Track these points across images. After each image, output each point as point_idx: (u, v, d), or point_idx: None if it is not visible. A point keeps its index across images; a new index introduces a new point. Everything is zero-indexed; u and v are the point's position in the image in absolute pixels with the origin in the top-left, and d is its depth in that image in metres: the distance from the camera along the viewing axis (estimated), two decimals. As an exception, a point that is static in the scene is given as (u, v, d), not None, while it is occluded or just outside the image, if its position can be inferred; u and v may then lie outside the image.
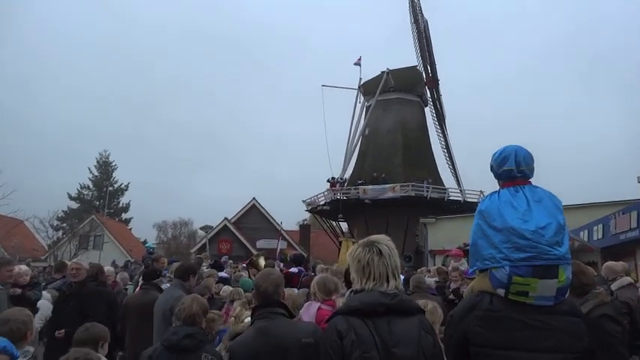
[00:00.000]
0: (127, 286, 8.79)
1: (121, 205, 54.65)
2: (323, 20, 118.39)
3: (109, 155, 54.81)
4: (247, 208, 36.54)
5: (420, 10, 35.28)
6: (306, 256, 29.06)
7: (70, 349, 2.70)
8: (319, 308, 3.91)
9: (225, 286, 6.99)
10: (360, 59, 35.17)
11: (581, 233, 13.29)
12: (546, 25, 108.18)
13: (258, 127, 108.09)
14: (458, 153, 35.39)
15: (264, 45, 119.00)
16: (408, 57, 46.81)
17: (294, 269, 8.40)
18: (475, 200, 30.93)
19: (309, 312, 3.99)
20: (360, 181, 31.46)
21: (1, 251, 28.99)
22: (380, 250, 2.20)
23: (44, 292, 6.49)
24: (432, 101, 35.74)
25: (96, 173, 54.18)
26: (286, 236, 29.70)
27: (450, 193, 31.62)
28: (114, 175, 54.75)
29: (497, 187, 2.41)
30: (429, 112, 35.99)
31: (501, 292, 2.14)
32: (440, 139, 35.41)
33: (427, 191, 29.57)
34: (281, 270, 7.44)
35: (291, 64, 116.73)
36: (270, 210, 36.61)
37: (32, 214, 31.73)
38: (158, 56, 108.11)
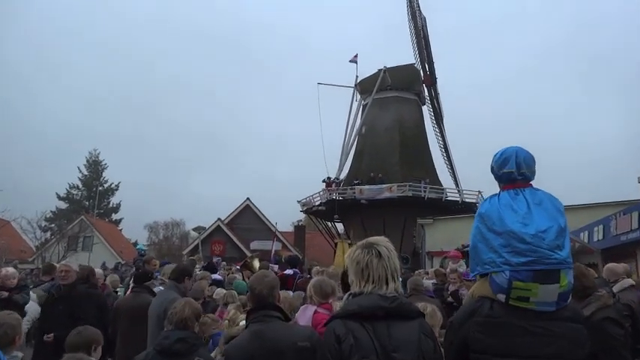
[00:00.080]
0: (118, 289, 8.75)
1: (111, 205, 54.41)
2: (321, 18, 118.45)
3: (98, 154, 54.65)
4: (241, 209, 36.49)
5: (418, 6, 35.37)
6: (301, 257, 29.11)
7: (64, 355, 2.69)
8: (315, 312, 3.90)
9: (219, 289, 6.97)
10: (356, 56, 35.20)
11: (582, 234, 13.34)
12: (546, 25, 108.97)
13: (255, 126, 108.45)
14: (456, 153, 35.61)
15: (262, 44, 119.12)
16: (405, 55, 46.99)
17: (288, 271, 8.39)
18: (473, 201, 31.04)
19: (305, 315, 3.98)
20: (356, 181, 31.50)
21: (-12, 253, 28.77)
22: (379, 252, 2.20)
23: (30, 293, 6.45)
24: (430, 100, 35.84)
25: (85, 172, 53.94)
26: (281, 237, 29.64)
27: (448, 194, 31.73)
28: (104, 174, 54.58)
29: (497, 188, 2.42)
30: (426, 110, 36.17)
31: (502, 297, 2.14)
32: (438, 139, 35.56)
33: (425, 191, 29.64)
34: (275, 272, 7.42)
35: (290, 64, 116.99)
36: (265, 210, 36.62)
37: (19, 215, 31.59)
38: (158, 56, 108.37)
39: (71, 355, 2.71)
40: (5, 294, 5.65)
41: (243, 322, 3.67)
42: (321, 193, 32.24)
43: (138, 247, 15.18)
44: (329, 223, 34.51)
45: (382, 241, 2.26)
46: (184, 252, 34.65)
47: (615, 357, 2.73)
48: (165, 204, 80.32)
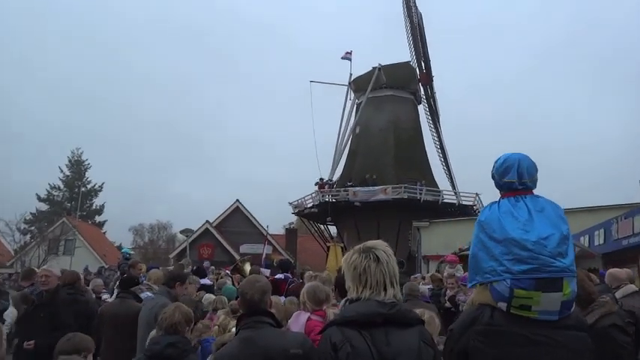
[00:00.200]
0: (102, 294, 8.69)
1: (94, 206, 54.08)
2: (312, 15, 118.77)
3: (81, 153, 54.26)
4: (230, 211, 36.43)
5: (414, 2, 35.47)
6: (292, 261, 29.06)
7: (59, 357, 2.68)
8: (309, 318, 3.91)
9: (207, 294, 6.93)
10: (349, 53, 35.26)
11: (582, 238, 13.44)
12: (546, 25, 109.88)
13: (243, 127, 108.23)
14: (454, 154, 35.76)
15: (249, 43, 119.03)
16: (401, 52, 47.16)
17: (280, 276, 8.39)
18: (470, 203, 31.20)
19: (298, 322, 3.99)
20: (349, 183, 31.53)
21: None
22: (377, 256, 2.19)
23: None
24: (426, 99, 35.97)
25: (67, 173, 53.54)
26: (272, 241, 29.60)
27: (445, 196, 31.82)
28: (87, 174, 54.19)
29: (496, 191, 2.43)
30: (422, 110, 36.28)
31: (503, 305, 2.14)
32: (434, 139, 35.69)
33: (420, 193, 29.73)
34: (266, 277, 7.40)
35: (278, 62, 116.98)
36: (255, 213, 36.57)
37: (-4, 217, 31.30)
38: (136, 53, 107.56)
39: (66, 357, 2.69)
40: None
41: (234, 328, 3.67)
42: (314, 194, 32.25)
43: (123, 250, 15.07)
44: (321, 226, 34.54)
45: (380, 245, 2.25)
46: (171, 256, 34.52)
47: (621, 366, 2.74)
48: (152, 206, 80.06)
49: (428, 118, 35.87)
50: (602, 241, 12.26)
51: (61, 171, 53.33)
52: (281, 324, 3.60)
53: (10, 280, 15.14)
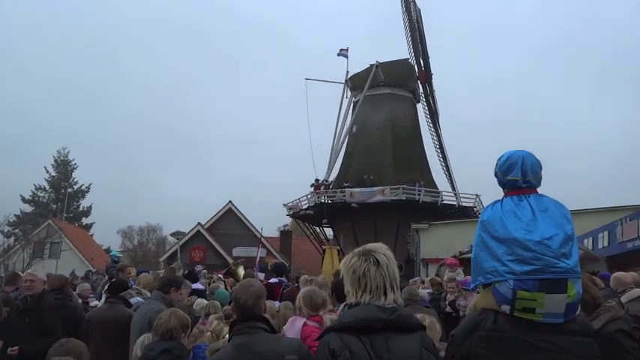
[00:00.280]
0: (90, 299, 8.65)
1: (81, 208, 53.93)
2: (308, 13, 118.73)
3: (68, 153, 54.10)
4: (223, 213, 36.39)
5: (413, -2, 35.55)
6: (287, 265, 29.00)
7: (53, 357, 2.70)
8: (305, 324, 3.92)
9: (199, 299, 6.91)
10: (346, 50, 35.27)
11: (585, 241, 13.49)
12: (547, 24, 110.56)
13: (236, 127, 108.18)
14: (454, 155, 35.79)
15: (246, 43, 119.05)
16: (399, 49, 47.19)
17: (274, 280, 8.39)
18: (471, 205, 31.27)
19: (293, 327, 4.00)
20: (346, 184, 31.54)
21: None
22: (377, 259, 2.19)
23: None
24: (425, 97, 36.04)
25: (53, 173, 53.35)
26: (266, 243, 29.58)
27: (444, 197, 31.90)
28: (73, 175, 54.04)
29: (497, 192, 2.45)
30: (421, 108, 36.31)
31: (506, 308, 2.15)
32: (433, 138, 35.74)
33: (419, 194, 29.78)
34: (260, 281, 7.40)
35: (277, 62, 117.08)
36: (248, 215, 36.53)
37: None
38: (127, 51, 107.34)
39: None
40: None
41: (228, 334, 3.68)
42: (309, 196, 32.24)
43: (111, 254, 15.02)
44: (317, 228, 34.54)
45: (381, 248, 2.25)
46: (161, 259, 34.49)
47: (628, 372, 2.75)
48: (141, 207, 79.64)
49: (427, 117, 35.98)
50: (606, 244, 12.31)
51: (47, 171, 53.22)
52: (276, 329, 3.60)
53: (-7, 284, 15.02)
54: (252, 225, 35.02)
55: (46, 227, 36.55)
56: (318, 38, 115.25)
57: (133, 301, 6.00)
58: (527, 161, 2.35)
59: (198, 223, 34.92)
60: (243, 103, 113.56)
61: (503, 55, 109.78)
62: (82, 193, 53.94)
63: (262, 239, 22.15)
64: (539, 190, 2.38)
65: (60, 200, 49.48)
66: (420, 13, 35.87)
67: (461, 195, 32.47)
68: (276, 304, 6.25)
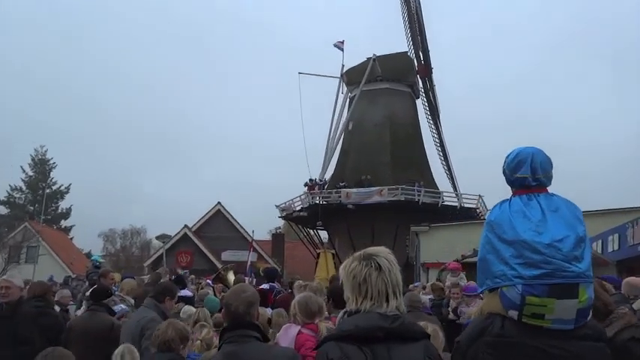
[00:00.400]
0: (69, 307, 8.62)
1: (60, 210, 53.71)
2: (299, 9, 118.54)
3: (46, 152, 53.77)
4: (211, 215, 36.33)
5: (413, -13, 35.59)
6: (279, 269, 28.97)
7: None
8: (299, 332, 3.94)
9: (187, 307, 6.88)
10: (342, 42, 35.27)
11: (595, 244, 13.53)
12: (550, 22, 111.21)
13: (226, 126, 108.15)
14: (455, 156, 35.83)
15: (230, 37, 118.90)
16: (397, 42, 47.17)
17: (265, 285, 8.39)
18: (473, 206, 31.36)
19: (287, 336, 4.01)
20: (342, 184, 31.56)
21: None
22: (379, 264, 2.18)
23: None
24: (425, 92, 36.11)
25: (30, 173, 53.03)
26: (257, 247, 29.54)
27: (445, 198, 31.99)
28: (52, 174, 53.74)
29: (498, 194, 2.44)
30: (421, 105, 36.38)
31: (514, 314, 2.15)
32: (433, 136, 35.85)
33: (419, 195, 29.84)
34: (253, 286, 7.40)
35: (261, 54, 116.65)
36: (238, 217, 36.51)
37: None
38: (109, 46, 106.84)
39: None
40: None
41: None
42: (303, 196, 32.25)
43: (92, 258, 14.94)
44: (311, 231, 34.51)
45: (382, 252, 2.24)
46: (146, 264, 34.42)
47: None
48: (124, 209, 79.47)
49: (427, 114, 36.06)
50: (616, 247, 12.36)
51: (23, 171, 52.83)
52: (268, 338, 3.59)
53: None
54: (242, 227, 35.02)
55: (23, 230, 36.33)
56: (311, 30, 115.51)
57: (116, 308, 5.98)
58: (537, 158, 2.35)
59: (185, 226, 34.85)
60: (231, 100, 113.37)
61: (504, 54, 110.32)
62: (60, 193, 53.72)
63: (253, 242, 22.12)
64: (550, 189, 2.38)
65: (37, 201, 49.23)
66: (419, 3, 35.92)
67: (463, 196, 32.57)
68: (269, 311, 6.24)
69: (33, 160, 53.30)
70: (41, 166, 53.49)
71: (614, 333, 2.87)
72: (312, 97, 45.11)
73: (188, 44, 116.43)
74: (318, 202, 30.99)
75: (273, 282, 8.86)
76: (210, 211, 36.62)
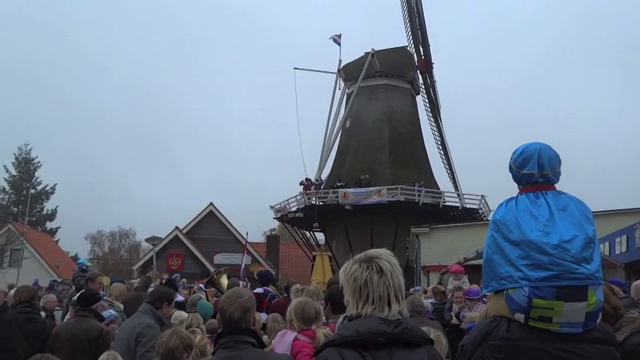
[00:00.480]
0: (55, 312, 8.60)
1: (45, 211, 53.66)
2: (295, 3, 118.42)
3: (30, 150, 53.68)
4: (203, 216, 36.24)
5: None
6: (274, 273, 28.97)
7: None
8: (296, 339, 3.94)
9: (177, 312, 6.87)
10: (339, 36, 35.26)
11: (602, 246, 13.56)
12: (554, 19, 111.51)
13: (217, 124, 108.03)
14: (457, 154, 35.88)
15: (226, 31, 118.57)
16: (396, 36, 47.28)
17: (259, 290, 8.39)
18: (475, 207, 31.40)
19: (283, 342, 4.01)
20: (339, 183, 31.56)
21: None
22: (380, 267, 2.17)
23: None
24: (425, 88, 36.15)
25: (14, 172, 52.96)
26: (251, 249, 29.56)
27: (446, 198, 32.04)
28: (36, 174, 53.66)
29: (501, 197, 2.44)
30: (421, 101, 36.40)
31: (520, 317, 2.15)
32: (434, 134, 35.90)
33: (419, 195, 29.87)
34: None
35: (254, 49, 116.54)
36: (231, 218, 36.47)
37: None
38: (97, 41, 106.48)
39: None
40: None
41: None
42: (298, 197, 32.22)
43: (79, 261, 14.91)
44: (307, 233, 34.54)
45: (384, 254, 2.23)
46: (135, 267, 34.36)
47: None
48: (112, 211, 79.21)
49: (427, 111, 36.11)
50: (624, 249, 12.39)
51: (7, 170, 52.76)
52: (264, 344, 3.59)
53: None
54: (235, 229, 34.98)
55: (6, 232, 36.24)
56: (307, 24, 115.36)
57: (105, 314, 5.96)
58: (545, 154, 2.35)
59: (176, 228, 34.76)
60: (223, 98, 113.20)
61: (507, 53, 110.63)
62: (46, 194, 53.63)
63: (247, 245, 22.10)
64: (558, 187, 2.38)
65: (21, 202, 49.13)
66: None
67: (465, 196, 32.64)
68: (263, 316, 6.24)
69: (17, 158, 53.23)
70: (25, 165, 53.37)
71: (624, 337, 2.88)
72: (308, 93, 45.03)
73: (185, 43, 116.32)
74: (314, 202, 30.97)
75: (268, 286, 8.86)
76: (202, 212, 36.52)
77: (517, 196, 2.37)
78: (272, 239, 40.36)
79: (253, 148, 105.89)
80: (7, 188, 52.36)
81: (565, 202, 2.28)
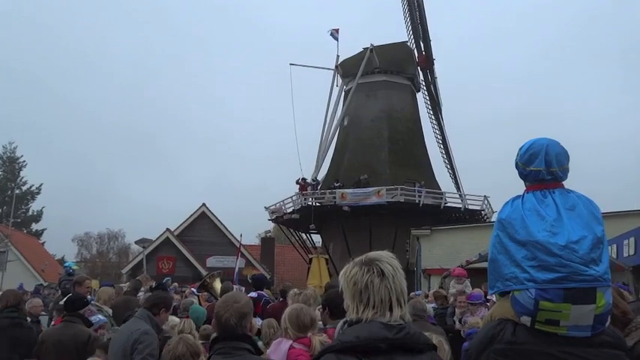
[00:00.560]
0: (41, 317, 8.58)
1: (30, 212, 53.62)
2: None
3: (15, 148, 53.63)
4: (195, 218, 36.23)
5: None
6: (269, 276, 28.98)
7: None
8: (291, 347, 3.97)
9: (170, 317, 6.87)
10: (337, 31, 35.24)
11: (609, 248, 13.57)
12: (559, 16, 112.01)
13: (210, 122, 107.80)
14: (458, 152, 35.86)
15: (219, 27, 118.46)
16: (396, 31, 47.32)
17: (252, 294, 8.38)
18: (478, 208, 31.42)
19: (279, 351, 4.04)
20: (336, 184, 31.53)
21: None
22: (382, 270, 2.16)
23: None
24: (426, 85, 36.16)
25: (-2, 172, 52.88)
26: (245, 252, 29.52)
27: (448, 199, 32.05)
28: (22, 174, 53.60)
29: (507, 195, 2.44)
30: (421, 98, 36.43)
31: (526, 320, 2.16)
32: (435, 133, 35.89)
33: (420, 196, 29.88)
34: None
35: (249, 45, 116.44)
36: (225, 220, 36.44)
37: None
38: (90, 38, 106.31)
39: None
40: None
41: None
42: (294, 197, 32.19)
43: (65, 265, 14.88)
44: (303, 235, 34.52)
45: (385, 256, 2.22)
46: (124, 271, 34.31)
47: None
48: (100, 212, 79.24)
49: (428, 108, 36.08)
50: (632, 252, 12.38)
51: (-10, 170, 52.66)
52: (260, 350, 3.60)
53: None
54: (229, 231, 34.97)
55: (-10, 235, 36.18)
56: (304, 19, 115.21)
57: (93, 319, 5.94)
58: (552, 150, 2.34)
59: (167, 230, 34.74)
60: (217, 96, 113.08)
61: (508, 52, 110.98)
62: (31, 194, 53.59)
63: (241, 247, 22.11)
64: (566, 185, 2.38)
65: (6, 203, 49.05)
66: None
67: (467, 197, 32.62)
68: (258, 321, 6.23)
69: (1, 158, 53.16)
70: (10, 164, 53.32)
71: (634, 343, 2.89)
72: (304, 90, 44.97)
73: (185, 43, 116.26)
74: (310, 203, 30.93)
75: (262, 290, 8.84)
76: (194, 213, 36.48)
77: (523, 194, 2.37)
78: (267, 241, 40.38)
79: (253, 148, 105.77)
80: (-9, 188, 52.38)
81: (573, 200, 2.28)
